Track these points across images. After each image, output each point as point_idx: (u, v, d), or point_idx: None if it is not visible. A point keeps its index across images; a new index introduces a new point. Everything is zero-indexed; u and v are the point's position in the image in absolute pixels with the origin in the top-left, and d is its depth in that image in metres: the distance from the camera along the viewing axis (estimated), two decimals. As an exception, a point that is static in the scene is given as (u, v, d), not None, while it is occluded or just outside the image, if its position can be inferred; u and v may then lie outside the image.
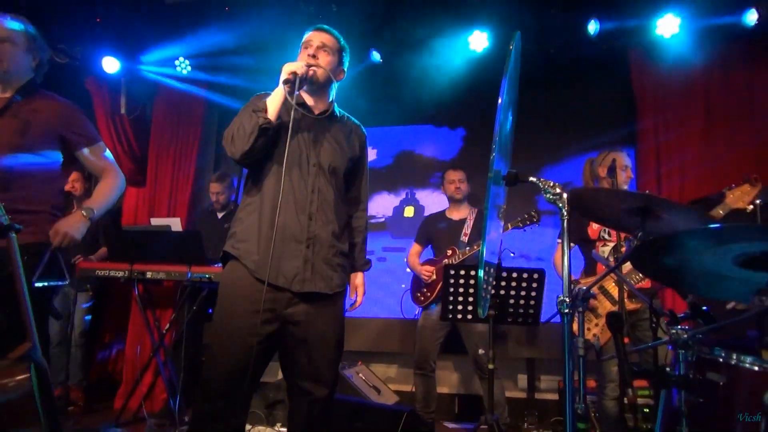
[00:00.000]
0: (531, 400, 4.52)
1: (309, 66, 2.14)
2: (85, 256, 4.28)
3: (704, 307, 1.72)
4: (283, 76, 2.06)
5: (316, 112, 2.26)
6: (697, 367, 1.68)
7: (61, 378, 4.21)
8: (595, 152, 4.60)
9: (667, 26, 4.06)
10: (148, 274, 3.87)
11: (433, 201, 4.96)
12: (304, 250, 2.09)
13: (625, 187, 3.34)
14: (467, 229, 3.99)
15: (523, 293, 2.98)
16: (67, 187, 4.39)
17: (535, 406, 4.43)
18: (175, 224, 4.25)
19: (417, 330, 3.99)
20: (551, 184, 1.45)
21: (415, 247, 4.21)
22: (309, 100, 2.27)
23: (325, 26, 2.29)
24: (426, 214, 4.92)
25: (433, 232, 4.16)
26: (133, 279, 3.93)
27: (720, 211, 2.56)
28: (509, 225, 3.69)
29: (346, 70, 2.35)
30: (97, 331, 5.01)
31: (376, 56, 4.63)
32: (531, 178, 1.49)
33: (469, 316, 3.11)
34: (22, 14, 4.10)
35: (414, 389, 3.99)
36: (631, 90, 4.46)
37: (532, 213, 3.69)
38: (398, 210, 5.09)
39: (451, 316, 3.14)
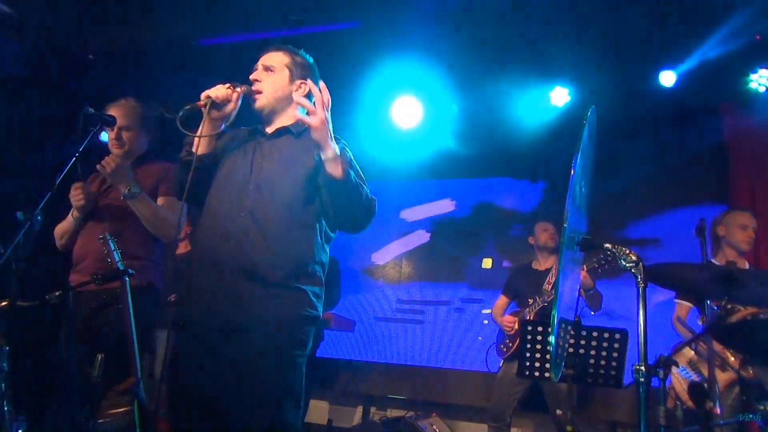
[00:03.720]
0: (615, 467, 4.28)
1: (234, 87, 1.97)
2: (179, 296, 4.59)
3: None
4: (202, 101, 1.93)
5: (269, 132, 2.07)
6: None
7: (150, 409, 4.47)
8: (683, 207, 4.48)
9: (763, 80, 3.92)
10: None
11: (511, 253, 4.93)
12: (226, 279, 1.86)
13: (745, 247, 3.24)
14: (551, 277, 3.92)
15: (604, 354, 2.89)
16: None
17: (618, 474, 4.19)
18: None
19: (495, 381, 3.92)
20: (626, 252, 1.46)
21: (502, 300, 4.14)
22: (265, 124, 2.09)
23: (275, 44, 2.12)
24: (504, 266, 4.89)
25: (520, 284, 4.08)
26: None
27: None
28: (584, 267, 3.53)
29: (312, 81, 1.99)
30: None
31: (453, 109, 4.77)
32: (606, 245, 1.51)
33: (547, 374, 3.04)
34: (135, 76, 4.63)
35: (488, 445, 3.90)
36: (723, 143, 4.31)
37: (608, 253, 3.47)
38: (476, 261, 5.09)
39: (527, 373, 3.08)
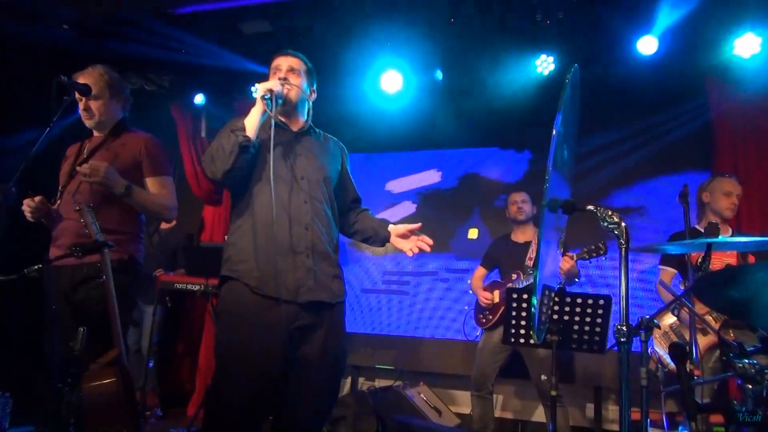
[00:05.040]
0: (598, 430, 4.37)
1: (283, 84, 2.19)
2: (165, 271, 4.57)
3: (776, 341, 1.65)
4: (260, 93, 2.11)
5: (294, 129, 2.31)
6: (769, 403, 1.61)
7: (138, 384, 4.48)
8: (667, 175, 4.51)
9: (747, 46, 3.91)
10: (222, 289, 4.08)
11: (497, 223, 4.94)
12: (305, 260, 2.10)
13: (728, 214, 3.28)
14: (531, 252, 3.96)
15: (588, 320, 2.93)
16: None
17: (602, 438, 4.29)
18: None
19: (477, 351, 3.99)
20: (609, 213, 1.45)
21: (480, 270, 4.22)
22: (285, 120, 2.30)
23: (290, 50, 2.36)
24: (490, 236, 4.91)
25: (499, 255, 4.16)
26: (208, 293, 4.16)
27: None
28: (575, 256, 3.59)
29: (316, 89, 2.42)
30: (172, 341, 5.31)
31: (438, 75, 4.71)
32: (589, 207, 1.50)
33: (532, 341, 3.09)
34: (111, 47, 4.51)
35: (471, 412, 3.97)
36: (707, 110, 4.32)
37: (600, 245, 3.53)
38: (462, 232, 5.10)
39: (513, 340, 3.13)
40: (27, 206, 2.48)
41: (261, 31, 4.54)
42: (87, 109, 2.62)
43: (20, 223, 2.44)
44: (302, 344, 2.06)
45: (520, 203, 4.06)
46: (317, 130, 2.42)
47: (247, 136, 2.08)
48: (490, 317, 3.95)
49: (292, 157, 2.22)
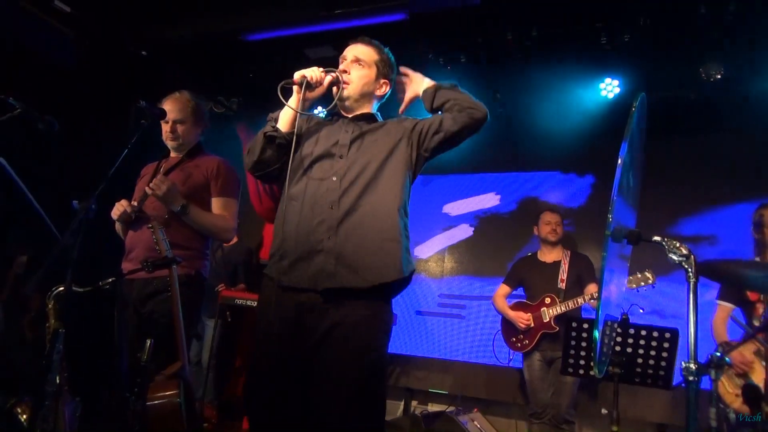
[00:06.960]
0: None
1: (327, 72, 2.00)
2: (227, 287, 4.71)
3: None
4: (295, 78, 1.96)
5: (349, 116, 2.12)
6: None
7: (197, 395, 4.61)
8: (743, 203, 4.28)
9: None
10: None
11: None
12: (326, 243, 1.85)
13: None
14: (563, 274, 3.91)
15: (653, 353, 2.80)
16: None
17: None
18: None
19: (527, 380, 3.94)
20: (677, 245, 1.40)
21: (504, 289, 4.19)
22: (344, 115, 2.13)
23: (365, 38, 2.15)
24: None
25: (525, 275, 4.13)
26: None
27: None
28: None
29: (391, 82, 2.18)
30: (230, 355, 5.44)
31: (498, 99, 4.70)
32: (655, 238, 1.45)
33: (591, 373, 2.98)
34: (184, 72, 4.74)
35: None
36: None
37: (647, 274, 3.40)
38: (520, 256, 4.99)
39: (572, 371, 3.03)
40: (121, 206, 2.64)
41: (325, 56, 4.67)
42: (173, 131, 2.79)
43: (96, 236, 2.59)
44: (324, 340, 1.82)
45: (555, 225, 4.05)
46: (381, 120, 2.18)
47: (275, 127, 2.00)
48: (526, 341, 3.89)
49: (337, 142, 2.02)
